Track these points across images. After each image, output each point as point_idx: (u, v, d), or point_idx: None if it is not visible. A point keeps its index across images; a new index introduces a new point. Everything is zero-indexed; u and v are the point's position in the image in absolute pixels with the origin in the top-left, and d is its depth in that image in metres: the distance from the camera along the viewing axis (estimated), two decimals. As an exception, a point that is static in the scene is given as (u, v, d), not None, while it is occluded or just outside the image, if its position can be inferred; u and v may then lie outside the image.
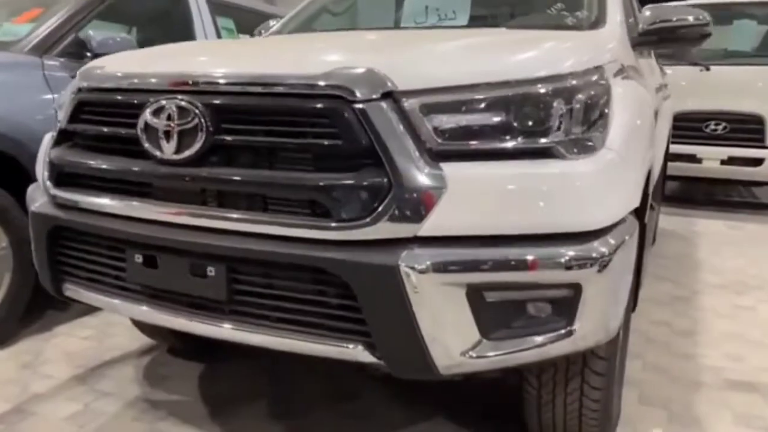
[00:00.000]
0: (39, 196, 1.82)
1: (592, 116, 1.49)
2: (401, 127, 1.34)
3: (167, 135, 1.46)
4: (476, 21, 2.60)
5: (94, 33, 3.02)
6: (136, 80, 1.56)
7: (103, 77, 1.66)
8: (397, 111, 1.35)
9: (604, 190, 1.42)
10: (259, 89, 1.42)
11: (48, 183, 1.71)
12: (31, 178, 2.69)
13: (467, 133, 1.38)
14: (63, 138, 1.74)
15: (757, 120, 6.10)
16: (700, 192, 7.69)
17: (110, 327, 2.93)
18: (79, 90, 1.69)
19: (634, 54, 2.38)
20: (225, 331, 1.49)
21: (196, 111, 1.43)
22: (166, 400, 2.30)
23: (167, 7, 3.73)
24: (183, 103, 1.45)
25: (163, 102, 1.47)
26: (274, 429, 2.11)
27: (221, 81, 1.46)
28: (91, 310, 3.02)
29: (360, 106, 1.34)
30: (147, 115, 1.48)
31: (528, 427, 1.90)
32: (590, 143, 1.46)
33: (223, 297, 1.46)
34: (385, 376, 1.47)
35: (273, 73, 1.43)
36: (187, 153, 1.44)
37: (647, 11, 2.44)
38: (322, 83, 1.36)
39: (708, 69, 6.41)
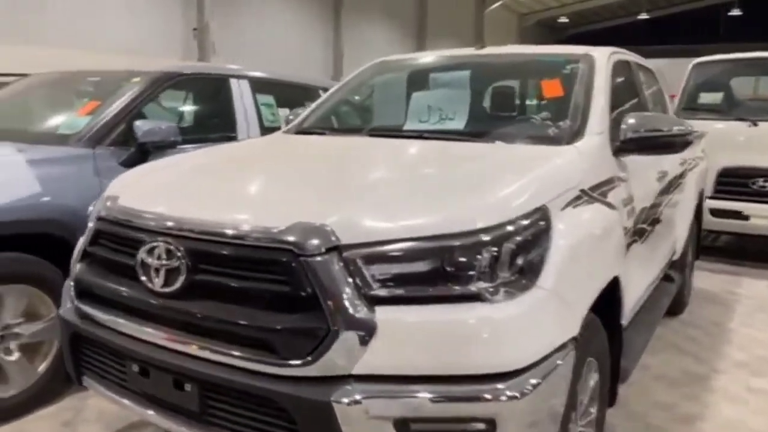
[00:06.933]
0: (68, 299, 2.15)
1: (522, 259, 1.66)
2: (342, 275, 1.57)
3: (157, 271, 1.75)
4: (472, 125, 2.81)
5: (141, 123, 3.40)
6: (137, 220, 1.86)
7: (114, 210, 1.97)
8: (340, 261, 1.58)
9: (525, 332, 1.59)
10: (226, 240, 1.68)
11: (72, 293, 2.05)
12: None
13: (401, 279, 1.58)
14: (85, 256, 2.06)
15: (808, 177, 5.96)
16: (752, 245, 7.48)
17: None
18: (98, 219, 2.02)
19: (615, 161, 2.51)
20: (199, 437, 1.75)
21: (178, 254, 1.72)
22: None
23: (213, 90, 4.13)
24: (170, 247, 1.74)
25: (155, 244, 1.76)
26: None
27: (198, 230, 1.73)
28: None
29: (308, 259, 1.57)
30: (143, 253, 1.78)
31: None
32: (518, 285, 1.63)
33: (196, 409, 1.73)
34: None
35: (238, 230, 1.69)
36: (171, 288, 1.73)
37: (631, 119, 2.56)
38: (279, 239, 1.61)
39: (756, 125, 6.31)
